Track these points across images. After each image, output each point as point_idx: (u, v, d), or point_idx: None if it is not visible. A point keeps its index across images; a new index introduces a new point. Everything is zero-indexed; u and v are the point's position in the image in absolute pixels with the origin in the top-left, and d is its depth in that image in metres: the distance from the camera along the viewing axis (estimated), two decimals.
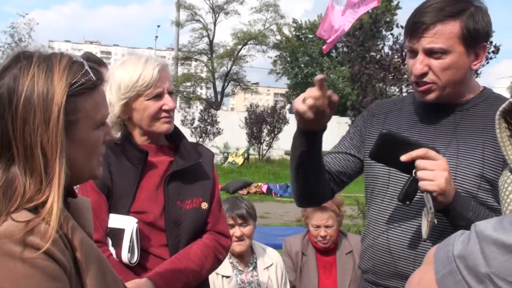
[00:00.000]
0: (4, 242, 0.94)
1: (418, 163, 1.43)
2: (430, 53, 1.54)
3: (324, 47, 6.12)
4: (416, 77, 1.58)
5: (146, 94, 1.77)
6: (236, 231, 2.90)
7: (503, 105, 1.03)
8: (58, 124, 0.99)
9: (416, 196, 1.49)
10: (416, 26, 1.55)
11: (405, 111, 1.75)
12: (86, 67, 1.07)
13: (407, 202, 1.47)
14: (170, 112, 1.82)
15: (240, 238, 2.94)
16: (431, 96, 1.59)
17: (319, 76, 1.46)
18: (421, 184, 1.42)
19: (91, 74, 1.07)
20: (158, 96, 1.79)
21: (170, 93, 1.83)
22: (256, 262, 3.04)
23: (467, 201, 1.47)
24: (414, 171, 1.45)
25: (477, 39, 1.54)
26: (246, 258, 3.02)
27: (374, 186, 1.70)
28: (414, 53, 1.58)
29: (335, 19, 5.67)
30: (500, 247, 0.76)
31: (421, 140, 1.59)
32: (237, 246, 2.93)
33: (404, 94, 7.04)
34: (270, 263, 3.07)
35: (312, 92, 1.48)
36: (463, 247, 0.82)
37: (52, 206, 0.98)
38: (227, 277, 2.85)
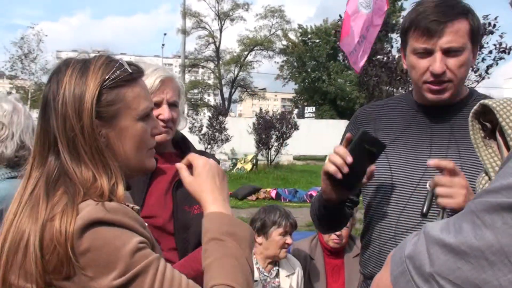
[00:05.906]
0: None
1: (438, 179, 1.39)
2: (447, 51, 1.55)
3: (355, 67, 6.24)
4: (435, 76, 1.57)
5: None
6: (288, 239, 3.04)
7: (475, 107, 1.03)
8: (92, 114, 1.07)
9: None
10: (433, 26, 1.54)
11: (394, 115, 1.74)
12: (121, 61, 1.15)
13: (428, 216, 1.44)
14: (168, 122, 1.85)
15: (288, 245, 3.08)
16: (446, 95, 1.59)
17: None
18: (440, 201, 1.38)
19: (126, 67, 1.15)
20: (156, 105, 1.82)
21: (172, 105, 1.86)
22: (278, 269, 3.11)
23: None
24: (428, 183, 1.42)
25: (478, 37, 1.57)
26: (271, 264, 3.12)
27: (377, 193, 1.69)
28: (425, 54, 1.57)
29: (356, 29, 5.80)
30: (442, 246, 0.77)
31: (418, 143, 1.62)
32: (283, 253, 3.06)
33: None
34: (292, 271, 3.14)
35: (340, 150, 1.48)
36: (413, 247, 0.83)
37: (117, 190, 1.09)
38: (254, 281, 2.93)
